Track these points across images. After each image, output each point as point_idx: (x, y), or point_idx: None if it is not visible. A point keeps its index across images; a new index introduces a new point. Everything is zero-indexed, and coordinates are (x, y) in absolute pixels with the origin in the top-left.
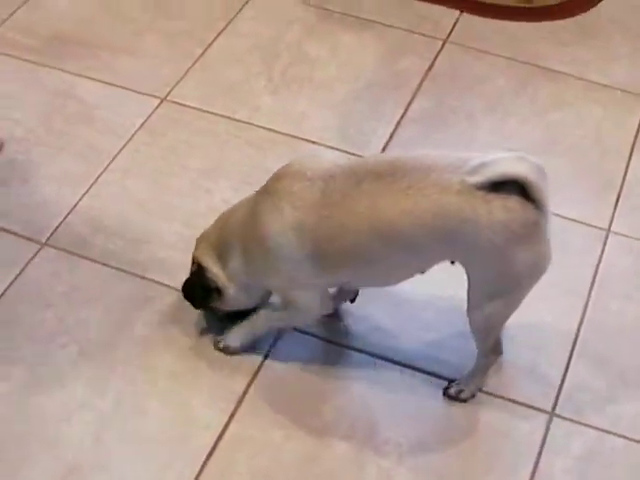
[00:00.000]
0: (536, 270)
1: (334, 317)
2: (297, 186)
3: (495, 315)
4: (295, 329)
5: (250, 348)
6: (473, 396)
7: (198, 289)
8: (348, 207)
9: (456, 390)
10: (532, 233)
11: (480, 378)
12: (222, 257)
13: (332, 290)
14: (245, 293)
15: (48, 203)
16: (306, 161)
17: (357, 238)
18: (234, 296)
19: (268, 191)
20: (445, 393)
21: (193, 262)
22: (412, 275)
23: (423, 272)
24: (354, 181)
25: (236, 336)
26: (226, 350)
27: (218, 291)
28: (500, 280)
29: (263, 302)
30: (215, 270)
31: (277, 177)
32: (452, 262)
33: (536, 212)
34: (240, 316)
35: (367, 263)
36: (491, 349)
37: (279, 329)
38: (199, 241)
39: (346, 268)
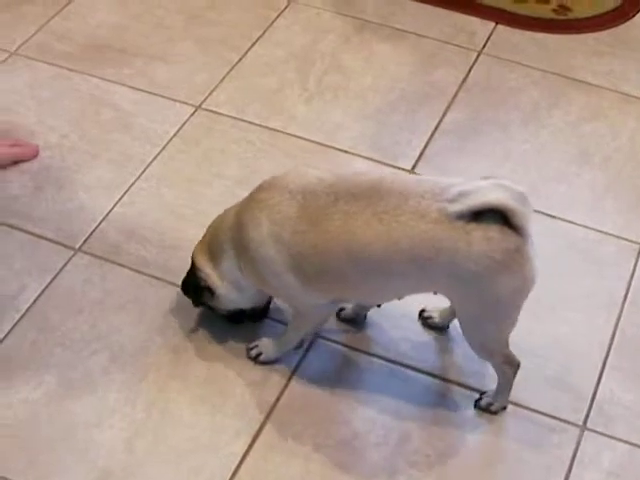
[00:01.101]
0: (521, 294)
1: (360, 324)
2: (277, 199)
3: (490, 338)
4: (325, 338)
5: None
6: (504, 408)
7: (191, 287)
8: (322, 225)
9: (486, 403)
10: (514, 260)
11: (506, 391)
12: (215, 258)
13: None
14: (238, 293)
15: (82, 209)
16: (291, 174)
17: (329, 256)
18: (226, 296)
19: (251, 201)
20: (476, 405)
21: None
22: (391, 299)
23: (400, 298)
24: (332, 199)
25: (272, 350)
26: (258, 360)
27: (210, 290)
28: (485, 308)
29: (261, 303)
30: (207, 270)
31: (261, 188)
32: (435, 292)
33: (518, 239)
34: (240, 316)
35: (342, 282)
36: (504, 362)
37: (306, 336)
38: (199, 241)
39: (326, 285)
